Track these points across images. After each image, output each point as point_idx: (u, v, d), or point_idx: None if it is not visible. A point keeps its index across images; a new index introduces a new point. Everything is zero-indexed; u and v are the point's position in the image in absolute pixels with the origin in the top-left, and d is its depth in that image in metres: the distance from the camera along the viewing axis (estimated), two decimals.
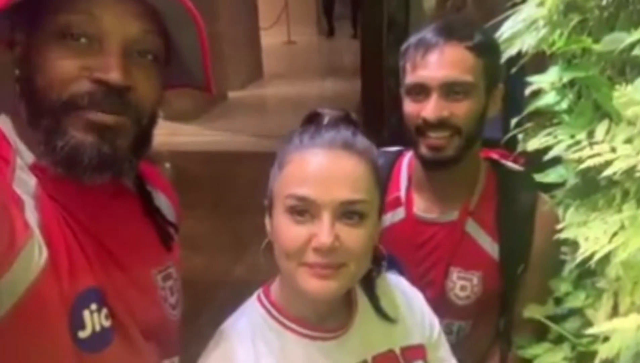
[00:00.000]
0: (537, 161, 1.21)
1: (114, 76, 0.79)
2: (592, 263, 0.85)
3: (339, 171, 0.87)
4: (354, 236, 0.86)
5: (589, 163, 0.87)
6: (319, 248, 0.84)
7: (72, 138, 0.80)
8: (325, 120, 0.93)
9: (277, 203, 0.90)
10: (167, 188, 1.10)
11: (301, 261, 0.86)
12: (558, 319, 1.16)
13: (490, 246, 1.30)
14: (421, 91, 1.20)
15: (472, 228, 1.31)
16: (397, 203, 1.36)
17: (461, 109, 1.19)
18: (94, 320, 0.83)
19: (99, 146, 0.81)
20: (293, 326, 0.95)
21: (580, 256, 0.84)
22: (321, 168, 0.87)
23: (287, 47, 12.42)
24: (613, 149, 0.86)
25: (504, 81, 1.29)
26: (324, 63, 11.94)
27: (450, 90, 1.18)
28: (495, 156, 1.41)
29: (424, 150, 1.23)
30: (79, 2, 0.79)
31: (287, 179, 0.89)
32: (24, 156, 0.83)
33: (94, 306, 0.83)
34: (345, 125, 0.93)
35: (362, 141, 0.92)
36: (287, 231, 0.87)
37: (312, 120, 0.95)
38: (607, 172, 0.84)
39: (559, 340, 1.12)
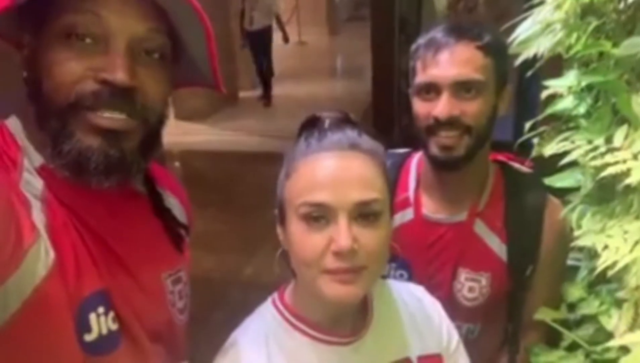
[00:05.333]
0: (547, 164, 1.19)
1: (120, 76, 0.78)
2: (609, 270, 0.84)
3: (350, 172, 0.85)
4: (372, 237, 0.85)
5: (610, 170, 0.85)
6: (338, 252, 0.82)
7: (78, 141, 0.79)
8: (327, 123, 0.91)
9: (290, 212, 0.88)
10: (178, 189, 1.10)
11: (321, 268, 0.84)
12: (571, 325, 1.14)
13: (498, 247, 1.29)
14: (432, 90, 1.20)
15: (481, 228, 1.30)
16: (405, 203, 1.35)
17: (472, 108, 1.18)
18: (100, 323, 0.82)
19: (106, 150, 0.80)
20: (307, 330, 0.94)
21: (601, 265, 0.82)
22: (332, 172, 0.85)
23: (298, 47, 12.43)
24: (635, 156, 0.84)
25: (518, 83, 1.28)
26: (334, 63, 11.94)
27: (461, 89, 1.18)
28: (502, 158, 1.40)
29: (434, 150, 1.23)
30: (83, 2, 0.78)
31: (298, 186, 0.87)
32: (32, 158, 0.82)
33: (100, 310, 0.83)
34: (348, 126, 0.91)
35: (367, 140, 0.90)
36: (304, 239, 0.85)
37: (313, 124, 0.92)
38: (628, 180, 0.82)
39: (573, 347, 1.10)
